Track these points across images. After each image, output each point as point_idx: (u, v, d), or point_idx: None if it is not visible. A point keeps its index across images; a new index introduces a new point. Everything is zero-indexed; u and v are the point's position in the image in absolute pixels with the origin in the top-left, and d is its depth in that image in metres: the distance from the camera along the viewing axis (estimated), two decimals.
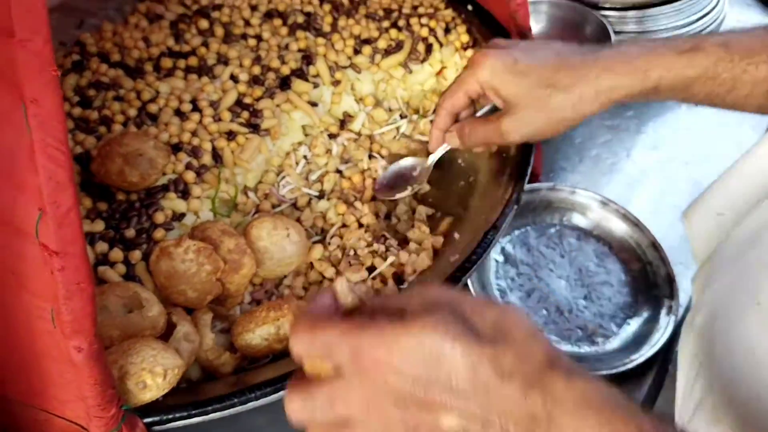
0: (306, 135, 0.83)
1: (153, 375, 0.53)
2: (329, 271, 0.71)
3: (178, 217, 0.69)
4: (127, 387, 0.53)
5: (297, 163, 0.81)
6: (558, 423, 0.37)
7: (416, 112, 0.90)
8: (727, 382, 0.52)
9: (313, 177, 0.80)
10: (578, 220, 0.88)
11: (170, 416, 0.55)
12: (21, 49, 0.40)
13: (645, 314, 0.79)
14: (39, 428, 0.56)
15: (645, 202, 0.91)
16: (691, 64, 0.61)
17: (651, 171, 0.96)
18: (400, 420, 0.39)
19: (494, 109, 0.72)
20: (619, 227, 0.86)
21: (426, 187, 0.82)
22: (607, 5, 1.01)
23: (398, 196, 0.77)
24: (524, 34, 0.79)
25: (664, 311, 0.78)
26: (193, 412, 0.55)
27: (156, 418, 0.55)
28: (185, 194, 0.70)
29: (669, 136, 1.00)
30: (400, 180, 0.79)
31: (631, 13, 1.00)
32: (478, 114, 0.75)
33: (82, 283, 0.44)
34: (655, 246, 0.83)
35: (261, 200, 0.77)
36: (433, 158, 0.77)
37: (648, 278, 0.82)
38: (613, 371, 0.73)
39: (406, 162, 0.80)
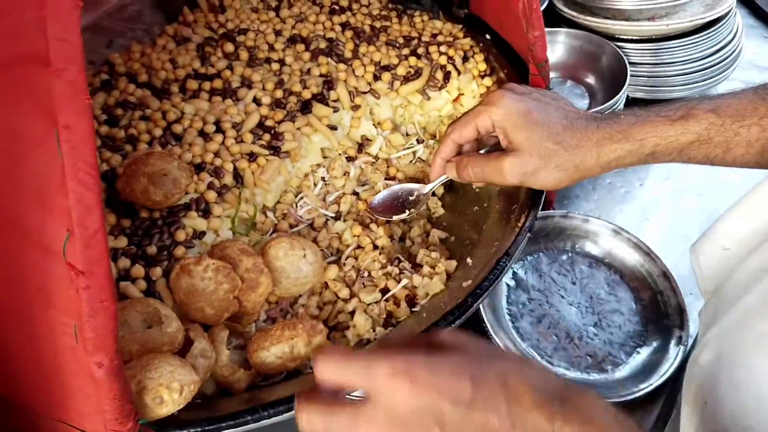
0: (324, 157, 0.85)
1: (170, 390, 0.55)
2: (344, 292, 0.72)
3: (199, 235, 0.71)
4: (145, 401, 0.55)
5: (315, 185, 0.83)
6: None
7: (433, 137, 0.91)
8: (730, 419, 0.53)
9: (330, 198, 0.82)
10: (590, 247, 0.89)
11: (185, 431, 0.57)
12: (56, 78, 0.42)
13: (654, 343, 0.80)
14: None
15: (657, 232, 0.92)
16: (684, 131, 0.65)
17: (663, 201, 0.97)
18: None
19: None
20: (630, 256, 0.87)
21: (440, 211, 0.84)
22: (623, 37, 1.03)
23: (395, 218, 0.79)
24: (541, 65, 0.81)
25: (673, 341, 0.78)
26: (208, 428, 0.57)
27: None
28: (206, 213, 0.72)
29: (682, 167, 1.00)
30: (397, 203, 0.80)
31: (647, 46, 1.01)
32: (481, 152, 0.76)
33: (105, 302, 0.46)
34: (667, 276, 0.84)
35: (279, 220, 0.79)
36: (430, 187, 0.79)
37: (659, 307, 0.83)
38: (622, 399, 0.74)
39: (404, 187, 0.81)
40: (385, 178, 0.85)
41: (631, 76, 0.99)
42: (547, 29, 0.95)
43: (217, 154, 0.76)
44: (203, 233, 0.71)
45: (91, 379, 0.49)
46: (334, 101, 0.84)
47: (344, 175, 0.84)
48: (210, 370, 0.62)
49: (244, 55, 0.87)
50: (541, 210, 0.78)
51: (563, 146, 0.68)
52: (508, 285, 0.86)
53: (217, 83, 0.84)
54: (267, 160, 0.77)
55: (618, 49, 1.01)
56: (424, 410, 0.42)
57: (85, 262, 0.45)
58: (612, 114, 0.70)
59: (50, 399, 0.55)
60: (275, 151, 0.78)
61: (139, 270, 0.66)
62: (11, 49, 0.42)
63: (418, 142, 0.90)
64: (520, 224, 0.73)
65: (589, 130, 0.68)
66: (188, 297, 0.65)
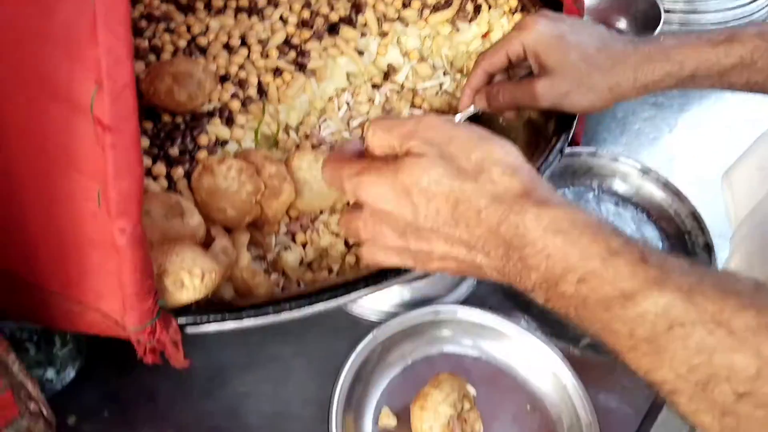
0: (350, 82, 0.83)
1: (191, 276, 0.54)
2: None
3: (221, 143, 0.70)
4: (165, 285, 0.54)
5: (339, 108, 0.81)
6: (529, 248, 0.43)
7: (460, 71, 0.90)
8: None
9: (354, 123, 0.81)
10: (618, 186, 0.87)
11: (204, 318, 0.56)
12: None
13: None
14: (72, 320, 0.57)
15: (686, 175, 0.90)
16: (726, 53, 0.63)
17: (693, 147, 0.95)
18: (403, 247, 0.49)
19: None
20: (658, 195, 0.85)
21: None
22: None
23: None
24: (579, 3, 0.79)
25: None
26: (228, 316, 0.56)
27: (190, 319, 0.55)
28: (230, 122, 0.70)
29: (712, 116, 0.99)
30: None
31: None
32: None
33: (132, 162, 0.45)
34: (695, 216, 0.82)
35: (301, 140, 0.78)
36: (458, 117, 0.77)
37: (686, 247, 0.81)
38: None
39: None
40: (411, 107, 0.83)
41: (664, 23, 0.97)
42: None
43: (242, 67, 0.75)
44: (226, 142, 0.70)
45: (113, 250, 0.48)
46: (362, 26, 0.83)
47: (369, 101, 0.83)
48: (230, 268, 0.61)
49: None
50: (569, 147, 0.76)
51: (597, 68, 0.66)
52: None
53: (243, 2, 0.82)
54: (292, 76, 0.76)
55: None
56: (393, 224, 0.49)
57: (113, 117, 0.43)
58: (653, 37, 0.68)
59: (66, 277, 0.53)
60: (301, 68, 0.77)
61: (160, 168, 0.65)
62: None
63: (444, 74, 0.88)
64: (551, 145, 0.71)
65: (626, 52, 0.67)
66: (210, 197, 0.63)
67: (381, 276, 0.59)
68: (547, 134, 0.75)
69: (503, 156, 0.47)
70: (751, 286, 0.38)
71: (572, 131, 0.72)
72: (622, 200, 0.86)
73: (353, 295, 0.60)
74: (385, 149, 0.50)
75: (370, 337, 0.73)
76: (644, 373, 0.41)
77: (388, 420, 0.72)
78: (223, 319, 0.56)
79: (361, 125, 0.81)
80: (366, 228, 0.51)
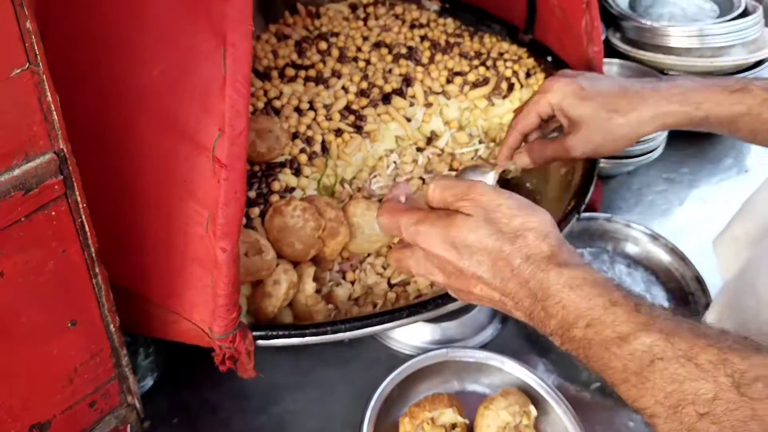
0: (398, 145, 0.96)
1: (277, 285, 0.65)
2: None
3: (290, 189, 0.81)
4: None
5: (388, 167, 0.94)
6: (550, 300, 0.53)
7: (493, 140, 1.02)
8: None
9: (400, 180, 0.93)
10: (630, 249, 0.97)
11: (274, 332, 0.66)
12: (229, 6, 0.53)
13: None
14: (166, 328, 0.67)
15: (692, 245, 1.00)
16: (739, 101, 0.71)
17: (700, 220, 1.05)
18: (447, 285, 0.61)
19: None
20: (666, 259, 0.95)
21: None
22: (672, 71, 1.14)
23: None
24: None
25: None
26: (293, 332, 0.66)
27: (262, 333, 0.66)
28: (297, 172, 0.83)
29: (720, 192, 1.10)
30: None
31: None
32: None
33: (238, 193, 0.56)
34: (698, 279, 0.92)
35: (354, 192, 0.90)
36: (498, 169, 0.87)
37: (690, 306, 0.90)
38: None
39: (474, 171, 0.90)
40: (449, 170, 0.95)
41: None
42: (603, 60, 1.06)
43: (309, 127, 0.87)
44: (293, 189, 0.82)
45: (213, 265, 0.59)
46: (411, 97, 0.96)
47: (413, 162, 0.95)
48: (294, 287, 0.72)
49: (335, 52, 1.00)
50: (587, 212, 0.87)
51: (619, 112, 0.75)
52: None
53: (311, 72, 0.96)
54: (351, 136, 0.88)
55: None
56: (440, 266, 0.60)
57: (229, 157, 0.55)
58: (669, 78, 0.76)
59: (168, 289, 0.64)
60: (358, 129, 0.89)
61: None
62: None
63: (480, 142, 1.00)
64: (569, 207, 0.82)
65: (645, 92, 0.75)
66: (280, 234, 0.75)
67: (419, 307, 0.70)
68: (571, 190, 0.86)
69: (537, 224, 0.56)
70: (717, 332, 0.48)
71: (588, 196, 0.82)
72: (634, 262, 0.96)
73: (397, 322, 0.71)
74: (440, 203, 0.61)
75: (399, 369, 0.80)
76: (632, 401, 0.50)
77: None
78: (290, 336, 0.66)
79: (406, 181, 0.93)
80: (418, 266, 0.62)
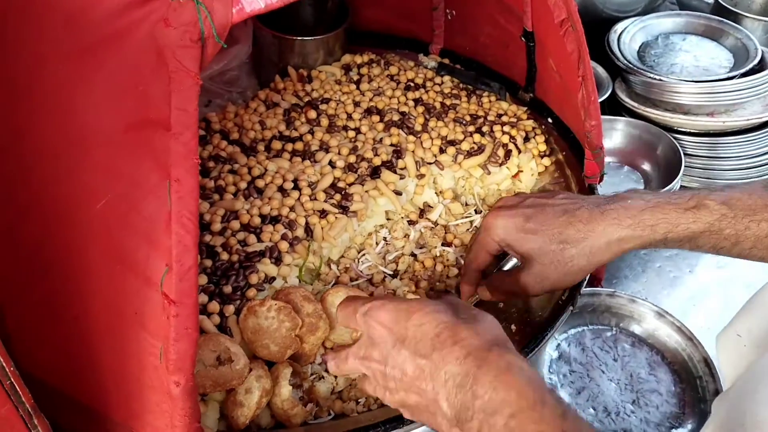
0: (388, 219, 0.93)
1: (249, 394, 0.63)
2: None
3: (270, 280, 0.79)
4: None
5: (377, 244, 0.90)
6: (481, 381, 0.53)
7: (490, 208, 0.98)
8: None
9: (390, 257, 0.89)
10: (634, 327, 0.92)
11: None
12: (174, 140, 0.51)
13: (690, 426, 0.82)
14: None
15: (702, 319, 0.95)
16: (695, 220, 0.66)
17: (712, 289, 0.99)
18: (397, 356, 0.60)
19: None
20: (673, 339, 0.90)
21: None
22: (681, 130, 1.08)
23: None
24: (596, 151, 0.87)
25: None
26: None
27: None
28: (278, 261, 0.80)
29: (732, 260, 1.03)
30: None
31: (704, 140, 1.06)
32: (506, 267, 0.78)
33: (189, 329, 0.54)
34: (707, 362, 0.87)
35: (341, 273, 0.87)
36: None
37: (697, 392, 0.85)
38: None
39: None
40: (442, 244, 0.92)
41: (686, 166, 1.04)
42: (607, 117, 1.01)
43: (292, 209, 0.85)
44: (273, 278, 0.79)
45: (168, 396, 0.57)
46: (402, 169, 0.92)
47: (404, 237, 0.91)
48: (267, 395, 0.70)
49: (324, 122, 0.97)
50: (590, 287, 0.83)
51: (569, 243, 0.70)
52: (551, 356, 0.90)
53: (299, 145, 0.93)
54: (336, 217, 0.85)
55: (674, 141, 1.05)
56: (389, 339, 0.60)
57: (177, 293, 0.53)
58: (618, 197, 0.71)
59: (130, 411, 0.62)
60: (344, 210, 0.86)
61: (214, 306, 0.74)
62: (143, 113, 0.52)
63: (476, 212, 0.96)
64: (563, 299, 0.78)
65: (594, 219, 0.69)
66: (255, 335, 0.72)
67: (395, 421, 0.67)
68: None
69: (492, 323, 0.60)
70: None
71: (581, 290, 0.78)
72: (638, 341, 0.91)
73: None
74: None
75: None
76: None
77: None
78: None
79: (396, 260, 0.89)
80: (372, 353, 0.63)
